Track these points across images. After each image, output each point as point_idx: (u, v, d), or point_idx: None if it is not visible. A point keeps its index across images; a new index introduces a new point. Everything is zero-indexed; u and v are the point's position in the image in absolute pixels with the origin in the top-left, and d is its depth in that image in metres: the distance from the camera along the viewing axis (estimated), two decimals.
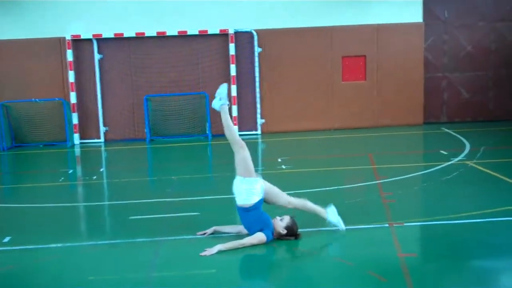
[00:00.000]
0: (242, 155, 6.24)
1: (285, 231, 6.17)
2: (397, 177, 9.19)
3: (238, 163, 6.27)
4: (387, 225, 6.62)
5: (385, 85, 15.91)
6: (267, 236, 6.08)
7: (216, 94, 6.46)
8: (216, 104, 6.45)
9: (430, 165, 10.13)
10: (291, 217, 6.26)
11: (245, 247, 5.97)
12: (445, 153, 11.28)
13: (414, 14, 15.87)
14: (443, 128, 15.24)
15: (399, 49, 15.84)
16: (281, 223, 6.19)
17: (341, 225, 6.41)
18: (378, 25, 15.73)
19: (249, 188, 6.16)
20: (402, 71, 15.89)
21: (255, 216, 6.14)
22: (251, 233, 6.14)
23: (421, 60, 15.98)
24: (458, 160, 10.44)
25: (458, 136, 13.65)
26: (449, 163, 10.22)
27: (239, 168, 6.26)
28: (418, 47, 15.94)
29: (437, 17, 16.08)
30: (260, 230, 6.09)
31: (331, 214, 6.44)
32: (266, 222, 6.16)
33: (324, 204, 6.59)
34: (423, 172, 9.82)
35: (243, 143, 6.29)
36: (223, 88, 6.47)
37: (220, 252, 5.84)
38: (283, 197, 6.39)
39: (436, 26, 16.11)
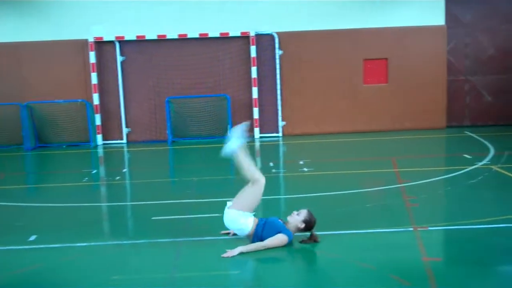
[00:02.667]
0: (256, 189, 6.16)
1: (303, 225, 6.13)
2: (421, 181, 9.12)
3: (244, 194, 6.17)
4: (411, 229, 6.56)
5: (407, 88, 15.81)
6: (288, 236, 6.06)
7: (231, 136, 6.27)
8: (230, 147, 6.25)
9: (454, 169, 10.04)
10: (308, 210, 6.23)
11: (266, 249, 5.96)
12: (469, 157, 11.17)
13: (436, 17, 15.75)
14: (466, 132, 15.10)
15: (421, 52, 15.74)
16: (298, 218, 6.16)
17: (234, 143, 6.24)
18: (400, 28, 15.65)
19: (243, 223, 6.11)
20: (424, 74, 15.78)
21: (264, 232, 6.09)
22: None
23: (444, 63, 15.86)
24: (483, 164, 10.33)
25: (482, 140, 13.51)
26: (473, 167, 10.12)
27: (240, 199, 6.16)
28: (440, 50, 15.82)
29: (459, 20, 15.95)
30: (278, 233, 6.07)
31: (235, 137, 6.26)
32: (278, 226, 6.12)
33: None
34: (447, 176, 9.73)
35: (262, 177, 6.21)
36: (238, 128, 6.28)
37: (241, 254, 5.84)
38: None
39: (458, 29, 15.98)
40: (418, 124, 15.85)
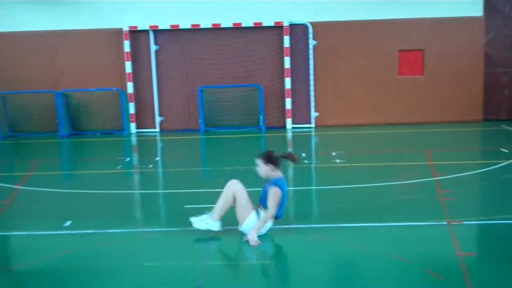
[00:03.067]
0: (238, 196, 6.13)
1: (269, 165, 6.14)
2: (456, 174, 8.96)
3: (238, 210, 6.14)
4: (445, 222, 6.47)
5: (443, 80, 15.52)
6: (274, 184, 6.05)
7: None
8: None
9: (490, 163, 9.83)
10: (258, 156, 6.21)
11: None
12: (506, 151, 10.93)
13: (474, 8, 15.40)
14: (503, 126, 14.77)
15: (458, 44, 15.42)
16: (261, 167, 6.19)
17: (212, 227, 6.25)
18: (437, 18, 15.35)
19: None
20: (461, 66, 15.47)
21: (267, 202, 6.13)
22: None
23: (481, 55, 15.51)
24: None
25: None
26: (510, 161, 9.89)
27: (240, 216, 6.14)
28: (478, 41, 15.47)
29: (498, 11, 15.57)
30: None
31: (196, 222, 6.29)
32: (264, 188, 6.19)
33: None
34: (483, 170, 9.53)
35: (232, 185, 6.19)
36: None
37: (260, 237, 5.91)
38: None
39: (497, 20, 15.59)
40: (454, 116, 15.57)
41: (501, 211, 6.90)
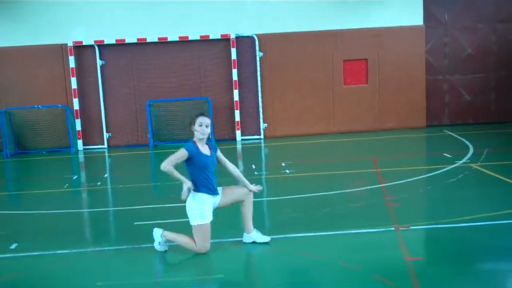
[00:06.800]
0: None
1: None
2: (401, 181, 9.20)
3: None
4: (392, 228, 6.62)
5: (387, 88, 15.93)
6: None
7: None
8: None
9: (434, 168, 10.14)
10: (206, 115, 6.40)
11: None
12: (449, 156, 11.29)
13: (414, 17, 15.89)
14: (446, 131, 15.25)
15: (400, 52, 15.87)
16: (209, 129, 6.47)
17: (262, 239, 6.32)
18: (379, 28, 15.76)
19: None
20: (403, 74, 15.91)
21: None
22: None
23: (423, 63, 16.00)
24: (462, 163, 10.44)
25: (461, 138, 13.66)
26: (453, 166, 10.22)
27: None
28: (419, 50, 15.97)
29: (437, 20, 16.11)
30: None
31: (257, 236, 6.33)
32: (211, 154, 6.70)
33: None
34: (427, 175, 9.82)
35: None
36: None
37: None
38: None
39: (436, 29, 16.14)
40: (398, 123, 15.99)
41: (445, 215, 7.11)
